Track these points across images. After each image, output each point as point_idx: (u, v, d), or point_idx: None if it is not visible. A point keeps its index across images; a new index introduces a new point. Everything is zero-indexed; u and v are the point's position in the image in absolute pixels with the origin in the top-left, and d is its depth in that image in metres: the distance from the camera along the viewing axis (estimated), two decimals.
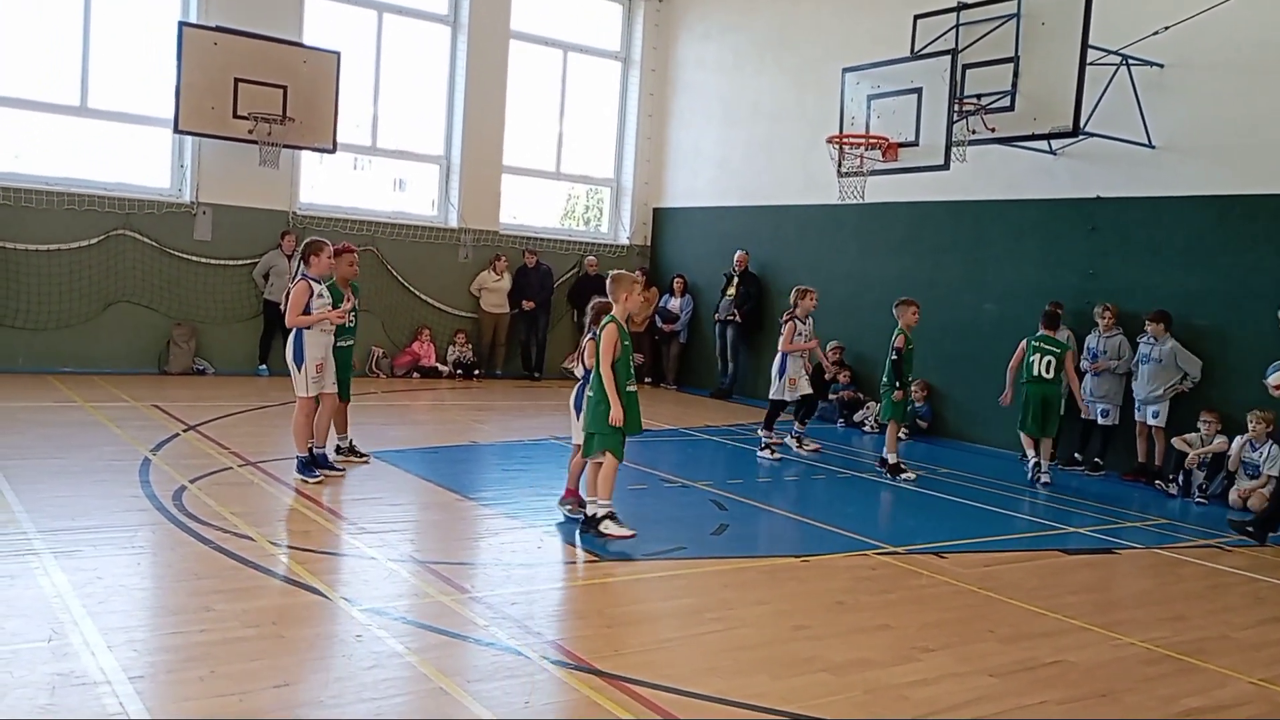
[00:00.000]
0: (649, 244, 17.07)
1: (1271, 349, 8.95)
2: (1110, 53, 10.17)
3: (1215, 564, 7.30)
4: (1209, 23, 9.77)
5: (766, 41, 15.08)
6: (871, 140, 11.07)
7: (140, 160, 13.41)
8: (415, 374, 14.55)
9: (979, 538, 7.59)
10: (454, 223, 15.29)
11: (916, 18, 11.28)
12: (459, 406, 12.64)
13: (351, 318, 8.30)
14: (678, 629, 5.11)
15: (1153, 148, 10.39)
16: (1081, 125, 9.90)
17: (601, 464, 6.66)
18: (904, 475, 9.53)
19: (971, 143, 10.70)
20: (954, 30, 10.76)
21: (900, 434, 10.28)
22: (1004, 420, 10.64)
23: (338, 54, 13.62)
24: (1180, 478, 9.65)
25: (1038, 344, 9.98)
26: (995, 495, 9.34)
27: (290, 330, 7.71)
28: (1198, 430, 9.64)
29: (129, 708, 3.73)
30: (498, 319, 15.24)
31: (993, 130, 10.54)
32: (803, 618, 5.36)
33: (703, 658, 4.68)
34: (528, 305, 15.18)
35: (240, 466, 7.96)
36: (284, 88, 13.07)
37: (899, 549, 6.95)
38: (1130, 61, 10.24)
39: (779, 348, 10.35)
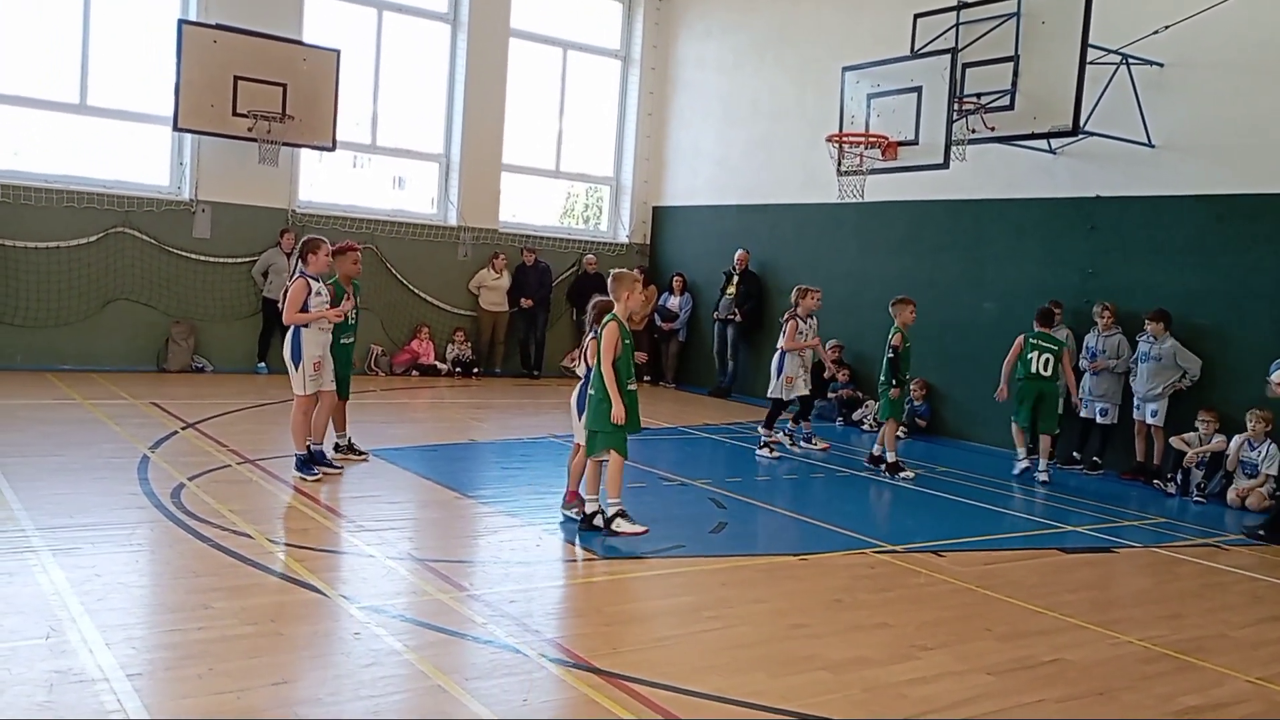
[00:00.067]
0: (648, 242, 17.07)
1: (1271, 348, 8.96)
2: (1110, 52, 10.17)
3: (1213, 563, 7.30)
4: (1209, 22, 9.78)
5: (766, 40, 15.08)
6: (871, 139, 11.07)
7: (140, 158, 13.41)
8: (414, 372, 14.55)
9: (977, 536, 7.59)
10: (453, 221, 15.29)
11: (916, 16, 11.27)
12: (458, 404, 12.64)
13: (353, 315, 8.30)
14: (676, 627, 5.11)
15: (1152, 147, 10.39)
16: (1081, 124, 9.90)
17: (602, 463, 6.66)
18: (903, 474, 9.54)
19: (971, 142, 10.70)
20: (954, 29, 10.75)
21: (899, 432, 10.29)
22: (1003, 419, 10.64)
23: (337, 52, 13.62)
24: (1178, 477, 9.65)
25: (1035, 341, 10.01)
26: (994, 494, 9.35)
27: (288, 328, 7.71)
28: (1196, 429, 9.64)
29: (127, 705, 3.73)
30: (496, 317, 15.24)
31: (992, 129, 10.54)
32: (801, 616, 5.36)
33: (701, 656, 4.68)
34: (526, 303, 15.18)
35: (239, 464, 7.96)
36: (283, 86, 13.07)
37: (897, 547, 6.95)
38: (1130, 61, 10.24)
39: (779, 345, 10.36)
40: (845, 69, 11.64)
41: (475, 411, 12.10)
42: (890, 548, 6.93)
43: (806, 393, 10.57)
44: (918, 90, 10.73)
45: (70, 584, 4.95)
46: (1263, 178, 9.70)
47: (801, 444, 10.82)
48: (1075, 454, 10.81)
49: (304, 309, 7.58)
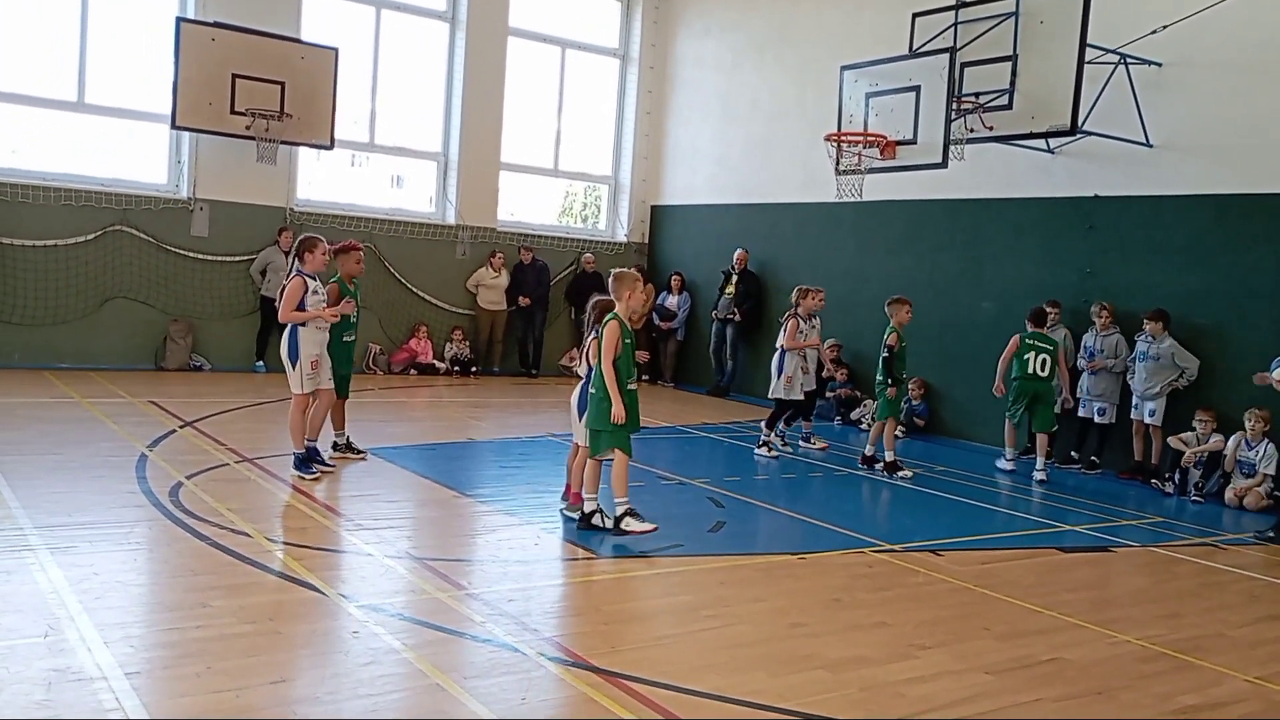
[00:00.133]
0: (646, 241, 17.07)
1: (1269, 348, 8.97)
2: (1108, 51, 10.18)
3: (1211, 562, 7.31)
4: (1207, 22, 9.78)
5: (765, 39, 15.08)
6: (870, 138, 11.08)
7: (137, 156, 13.40)
8: (412, 371, 14.55)
9: (975, 535, 7.60)
10: (452, 219, 15.28)
11: (915, 16, 11.28)
12: (456, 403, 12.64)
13: (355, 314, 8.30)
14: (675, 626, 5.12)
15: (1151, 146, 10.40)
16: (1079, 124, 9.90)
17: (602, 462, 6.66)
18: (901, 473, 9.55)
19: (969, 141, 10.71)
20: (952, 28, 10.76)
21: (898, 432, 10.29)
22: (1001, 419, 10.65)
23: (336, 50, 13.61)
24: (1176, 476, 9.66)
25: (1031, 342, 10.08)
26: (992, 493, 9.37)
27: (285, 326, 7.70)
28: (1194, 429, 9.65)
29: (125, 704, 3.73)
30: (495, 316, 15.24)
31: (991, 129, 10.54)
32: (799, 615, 5.36)
33: (700, 655, 4.68)
34: (524, 302, 15.18)
35: (237, 463, 7.95)
36: (282, 84, 13.06)
37: (896, 547, 6.96)
38: (1128, 60, 10.24)
39: (779, 344, 10.38)
40: (844, 68, 11.64)
41: (473, 410, 12.10)
42: (888, 547, 6.94)
43: (811, 389, 10.61)
44: (916, 89, 10.74)
45: (68, 582, 4.95)
46: (1261, 177, 9.71)
47: (800, 443, 10.83)
48: (1073, 453, 10.82)
49: (301, 307, 7.57)
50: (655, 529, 6.51)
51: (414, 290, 14.88)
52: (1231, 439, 9.34)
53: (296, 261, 7.75)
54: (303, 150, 13.92)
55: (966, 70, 10.58)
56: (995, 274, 11.96)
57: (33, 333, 12.42)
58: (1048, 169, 11.32)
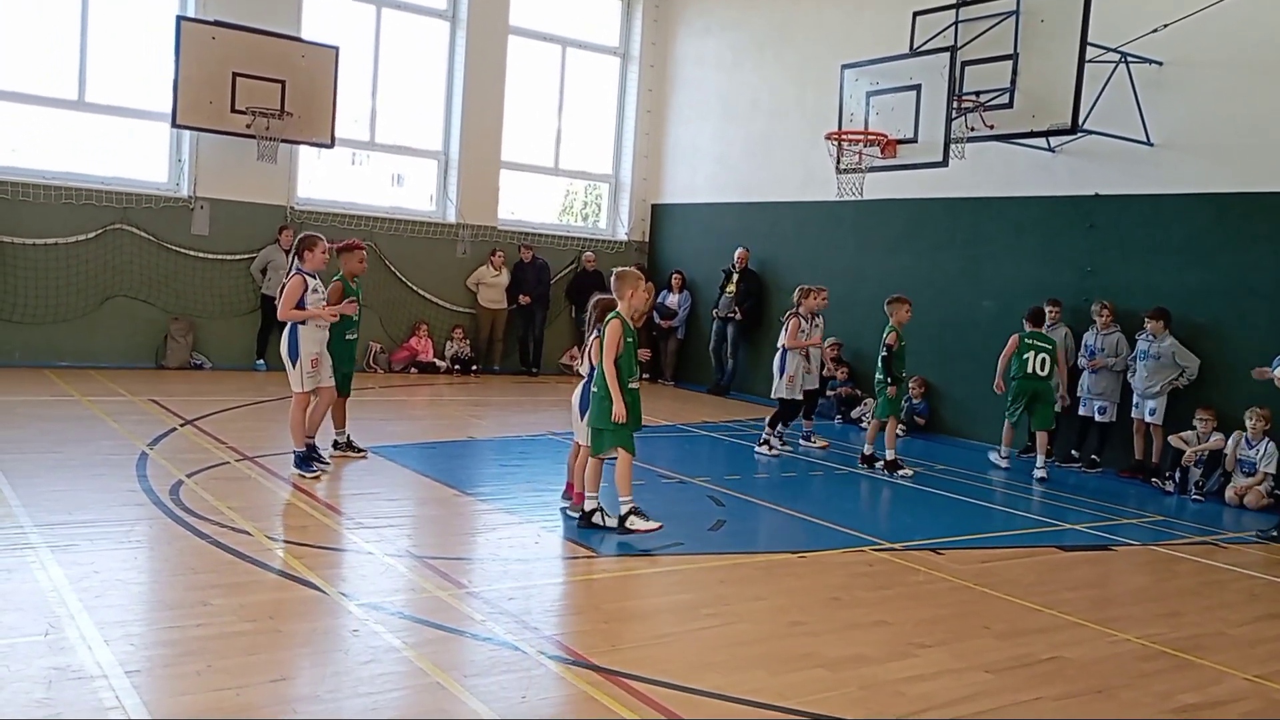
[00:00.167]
0: (647, 240, 17.07)
1: (1269, 347, 8.97)
2: (1109, 50, 10.17)
3: (1211, 561, 7.31)
4: (1208, 21, 9.78)
5: (766, 38, 15.07)
6: (870, 137, 11.07)
7: (138, 154, 13.39)
8: (413, 369, 14.55)
9: (976, 534, 7.60)
10: (452, 218, 15.28)
11: (916, 14, 11.27)
12: (456, 402, 12.64)
13: (357, 312, 8.31)
14: (675, 624, 5.12)
15: (1151, 145, 10.39)
16: (1080, 122, 9.89)
17: (603, 461, 6.66)
18: (901, 472, 9.56)
19: (970, 140, 10.71)
20: (953, 27, 10.75)
21: (898, 430, 10.29)
22: (1001, 417, 10.65)
23: (336, 49, 13.61)
24: (1177, 475, 9.66)
25: (1031, 341, 10.13)
26: (992, 492, 9.37)
27: (285, 325, 7.70)
28: (1194, 428, 9.65)
29: (125, 702, 3.73)
30: (495, 314, 15.24)
31: (991, 127, 10.54)
32: (799, 613, 5.37)
33: (700, 653, 4.68)
34: (524, 300, 15.18)
35: (237, 461, 7.95)
36: (282, 82, 13.06)
37: (896, 545, 6.96)
38: (1129, 59, 10.24)
39: (780, 343, 10.40)
40: (844, 67, 11.64)
41: (474, 409, 12.10)
42: (889, 545, 6.94)
43: (814, 388, 10.64)
44: (917, 88, 10.74)
45: (69, 581, 4.95)
46: (1261, 176, 9.70)
47: (801, 442, 10.83)
48: (1074, 452, 10.83)
49: (301, 306, 7.57)
50: (660, 527, 6.51)
51: (414, 289, 14.88)
52: (1232, 438, 9.34)
53: (296, 260, 7.75)
54: (303, 149, 13.92)
55: (967, 69, 10.58)
56: (995, 273, 11.95)
57: (33, 331, 12.42)
58: (1048, 168, 11.32)
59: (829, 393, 13.08)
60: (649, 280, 15.31)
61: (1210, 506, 9.24)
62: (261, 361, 13.45)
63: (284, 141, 13.17)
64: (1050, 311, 10.79)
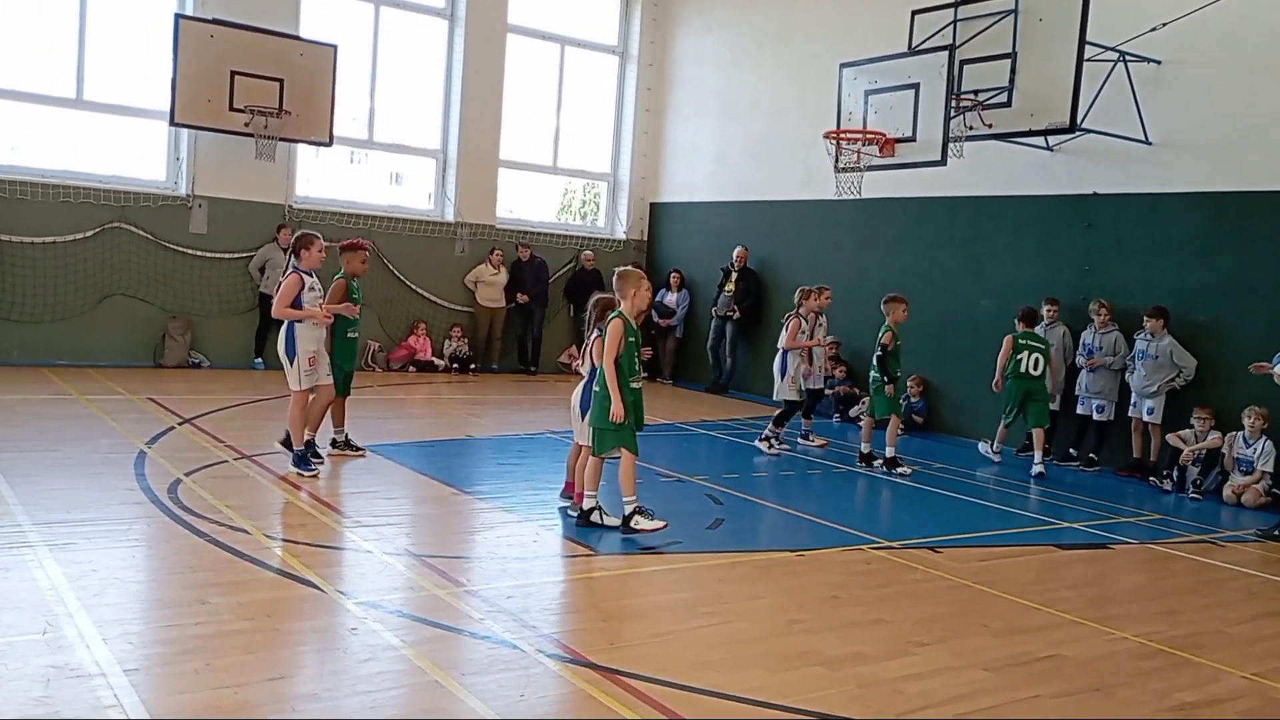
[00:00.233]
0: (645, 239, 17.06)
1: (1267, 345, 8.97)
2: (1107, 49, 10.17)
3: (1209, 559, 7.32)
4: (1206, 20, 9.78)
5: (765, 36, 15.07)
6: (869, 136, 11.07)
7: (136, 153, 13.38)
8: (411, 368, 14.55)
9: (973, 532, 7.61)
10: (451, 217, 15.28)
11: (914, 13, 11.27)
12: (455, 400, 12.64)
13: (356, 314, 8.33)
14: (673, 623, 5.12)
15: (1149, 144, 10.40)
16: (1078, 121, 9.90)
17: (604, 460, 6.65)
18: (900, 469, 9.58)
19: (968, 138, 10.71)
20: (952, 26, 10.75)
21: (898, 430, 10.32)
22: (999, 416, 10.67)
23: (334, 47, 13.60)
24: (1175, 473, 9.67)
25: (1025, 342, 10.29)
26: (990, 490, 9.38)
27: (282, 323, 7.70)
28: (1191, 426, 9.66)
29: (124, 700, 3.73)
30: (494, 313, 15.24)
31: (990, 126, 10.54)
32: (798, 612, 5.37)
33: (698, 651, 4.68)
34: (522, 299, 15.18)
35: (236, 459, 7.95)
36: (280, 81, 13.05)
37: (894, 544, 6.96)
38: (1127, 58, 10.24)
39: (780, 344, 10.43)
40: (843, 65, 11.64)
41: (472, 407, 12.10)
42: (887, 544, 6.94)
43: (818, 387, 10.71)
44: (915, 87, 10.74)
45: (67, 579, 4.95)
46: (1260, 175, 9.71)
47: (799, 441, 10.85)
48: (1072, 450, 10.84)
49: (297, 304, 7.57)
50: (665, 526, 6.51)
51: (413, 287, 14.87)
52: (1229, 436, 9.35)
53: (293, 258, 7.76)
54: (301, 147, 13.91)
55: (966, 68, 10.58)
56: (994, 271, 11.96)
57: (31, 330, 12.41)
58: (1047, 166, 11.32)
59: (827, 391, 13.08)
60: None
61: (1208, 505, 9.25)
62: (260, 360, 13.44)
63: (282, 140, 13.16)
64: (1048, 310, 10.83)
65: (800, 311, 10.44)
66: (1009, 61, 10.23)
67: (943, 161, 10.53)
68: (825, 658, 4.71)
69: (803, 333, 10.40)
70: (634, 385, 6.57)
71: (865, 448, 9.94)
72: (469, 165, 15.29)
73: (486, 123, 15.38)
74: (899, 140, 10.90)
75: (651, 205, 17.02)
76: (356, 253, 8.33)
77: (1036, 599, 5.89)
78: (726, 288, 14.79)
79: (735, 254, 14.75)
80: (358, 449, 8.54)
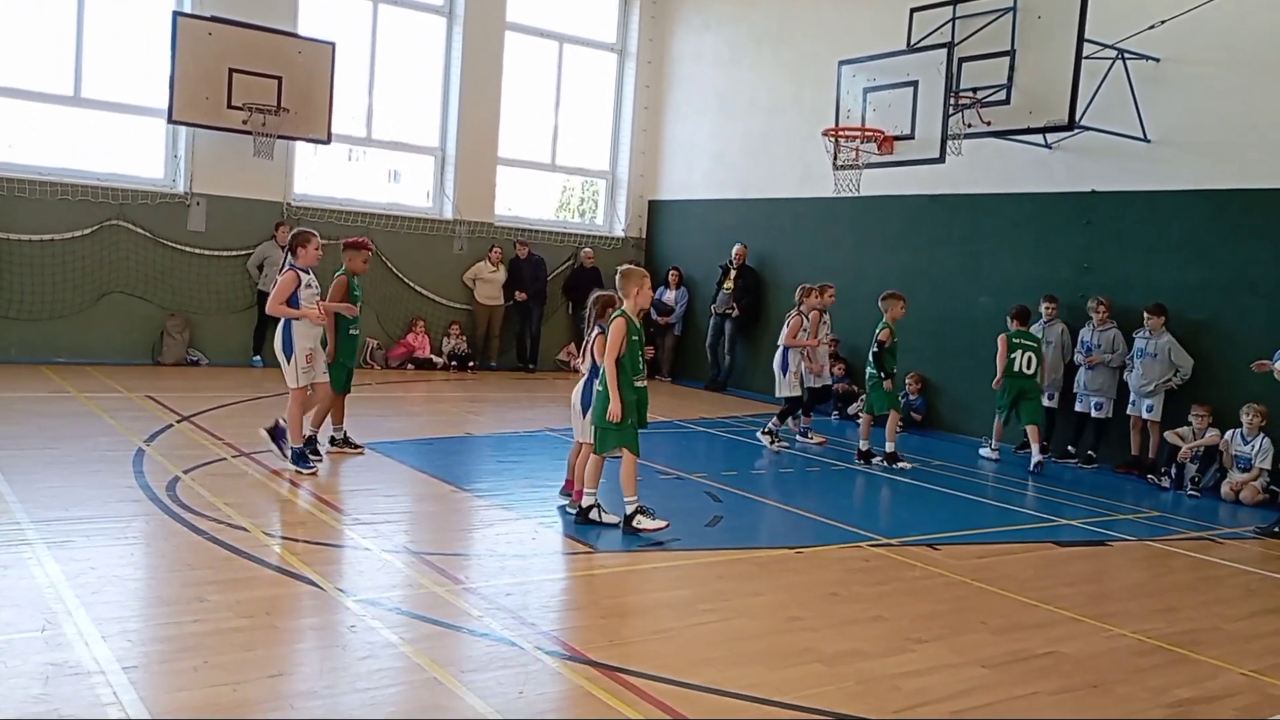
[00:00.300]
0: (644, 236, 17.06)
1: (1266, 342, 8.98)
2: (1106, 46, 10.18)
3: (1207, 556, 7.32)
4: (1205, 17, 9.78)
5: (764, 34, 15.06)
6: (867, 133, 11.07)
7: (134, 150, 13.37)
8: (409, 365, 14.54)
9: (972, 529, 7.61)
10: (449, 214, 15.27)
11: (913, 11, 11.27)
12: (453, 398, 12.64)
13: (355, 314, 8.34)
14: (672, 620, 5.12)
15: (1148, 142, 10.40)
16: (1077, 119, 9.90)
17: (604, 460, 6.64)
18: (901, 464, 9.61)
19: (967, 136, 10.70)
20: (950, 23, 10.76)
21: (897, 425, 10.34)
22: (996, 414, 10.68)
23: (333, 45, 13.58)
24: (1173, 471, 9.68)
25: (1019, 341, 10.36)
26: (988, 487, 9.39)
27: (279, 321, 7.70)
28: (1189, 424, 9.67)
29: (123, 698, 3.73)
30: (492, 311, 15.23)
31: (988, 124, 10.54)
32: (797, 609, 5.37)
33: (697, 648, 4.69)
34: (520, 297, 15.17)
35: (234, 457, 7.95)
36: (279, 78, 13.03)
37: (892, 541, 6.96)
38: (1126, 55, 10.24)
39: (780, 341, 10.46)
40: (841, 63, 11.64)
41: (471, 405, 12.10)
42: (885, 541, 6.95)
43: (826, 384, 10.76)
44: (914, 84, 10.74)
45: (65, 577, 4.94)
46: (1259, 173, 9.71)
47: (798, 438, 10.86)
48: (1070, 447, 10.84)
49: (294, 301, 7.56)
50: (667, 526, 6.52)
51: (411, 285, 14.86)
52: (1227, 433, 9.36)
53: (289, 256, 7.77)
54: (300, 145, 13.90)
55: (964, 65, 10.58)
56: (993, 269, 11.96)
57: (30, 328, 12.40)
58: (1045, 164, 11.32)
59: (835, 387, 13.10)
60: None
61: (1206, 502, 9.26)
62: (258, 358, 13.43)
63: (280, 137, 13.15)
64: (1047, 308, 10.85)
65: (802, 309, 10.47)
66: (1008, 59, 10.24)
67: (941, 159, 10.54)
68: (824, 655, 4.71)
69: (804, 330, 10.42)
70: (638, 384, 6.57)
71: (864, 445, 9.96)
72: (467, 163, 15.28)
73: (485, 120, 15.37)
74: (897, 138, 10.90)
75: (650, 203, 17.02)
76: (360, 252, 8.36)
77: (1035, 596, 5.90)
78: (725, 285, 14.79)
79: (734, 251, 14.75)
80: (356, 446, 8.54)
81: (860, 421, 10.31)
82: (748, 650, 4.71)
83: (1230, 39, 9.87)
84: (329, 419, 8.37)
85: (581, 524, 6.66)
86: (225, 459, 7.87)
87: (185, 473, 7.25)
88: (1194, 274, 10.16)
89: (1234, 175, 9.89)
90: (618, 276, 6.66)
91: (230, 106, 12.80)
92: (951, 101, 10.48)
